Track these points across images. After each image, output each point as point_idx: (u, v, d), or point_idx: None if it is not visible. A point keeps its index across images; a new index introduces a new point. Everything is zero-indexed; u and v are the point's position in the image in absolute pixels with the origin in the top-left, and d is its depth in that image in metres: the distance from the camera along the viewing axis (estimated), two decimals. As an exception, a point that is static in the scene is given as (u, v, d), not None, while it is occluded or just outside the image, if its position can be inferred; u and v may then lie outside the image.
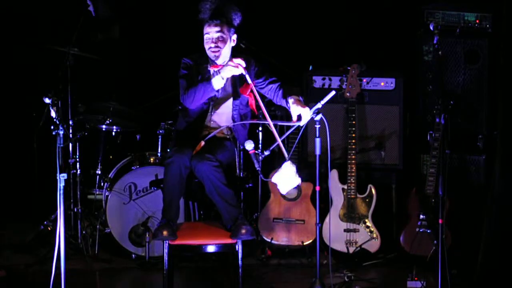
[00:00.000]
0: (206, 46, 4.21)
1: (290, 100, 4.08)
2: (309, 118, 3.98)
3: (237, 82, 4.27)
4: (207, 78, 4.18)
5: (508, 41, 3.95)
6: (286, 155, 3.93)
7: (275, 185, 3.98)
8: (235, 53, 4.29)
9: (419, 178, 5.01)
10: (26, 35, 5.93)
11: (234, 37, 4.26)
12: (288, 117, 5.04)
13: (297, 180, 3.86)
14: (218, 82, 4.07)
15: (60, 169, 3.46)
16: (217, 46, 4.18)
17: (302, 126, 3.94)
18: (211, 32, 4.17)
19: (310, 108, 3.90)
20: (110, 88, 5.67)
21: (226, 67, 4.04)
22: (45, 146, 4.93)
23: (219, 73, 4.06)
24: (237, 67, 4.01)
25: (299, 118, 3.99)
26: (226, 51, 4.23)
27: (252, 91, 4.19)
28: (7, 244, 5.13)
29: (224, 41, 4.19)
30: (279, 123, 4.24)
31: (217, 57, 4.20)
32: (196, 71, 4.25)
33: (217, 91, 4.21)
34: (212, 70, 4.20)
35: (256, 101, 4.17)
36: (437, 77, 4.96)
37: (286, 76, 4.83)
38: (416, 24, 5.16)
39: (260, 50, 5.17)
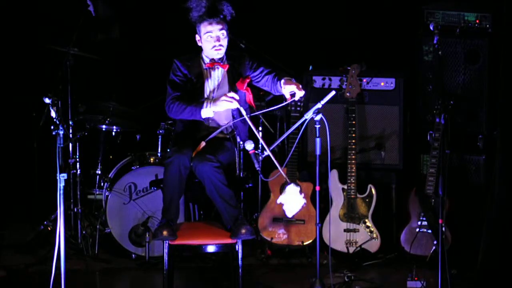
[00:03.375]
0: (209, 45, 4.20)
1: (282, 81, 4.11)
2: (302, 94, 4.01)
3: (234, 77, 4.26)
4: (198, 77, 4.21)
5: (508, 41, 3.95)
6: (286, 178, 4.00)
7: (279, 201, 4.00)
8: (227, 49, 4.29)
9: (419, 178, 5.00)
10: (26, 35, 5.93)
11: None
12: (288, 118, 5.10)
13: (302, 201, 3.90)
14: (207, 113, 4.10)
15: (60, 169, 3.46)
16: (221, 45, 4.18)
17: (303, 126, 3.94)
18: (214, 30, 4.16)
19: (310, 108, 3.91)
20: (110, 88, 5.67)
21: (221, 102, 4.04)
22: (45, 146, 4.93)
23: (213, 104, 4.05)
24: (232, 101, 4.02)
25: (293, 96, 4.02)
26: (226, 48, 4.23)
27: (248, 85, 4.20)
28: (7, 244, 5.13)
29: (225, 38, 4.20)
30: (276, 107, 4.23)
31: (220, 54, 4.21)
32: (187, 72, 4.24)
33: (213, 90, 4.23)
34: (207, 69, 4.20)
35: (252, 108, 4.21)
36: (437, 77, 4.96)
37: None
38: (416, 24, 5.16)
39: (260, 50, 5.17)
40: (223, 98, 4.04)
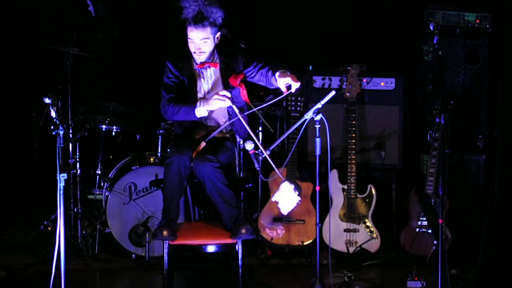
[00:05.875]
0: (190, 49, 4.19)
1: (277, 74, 4.09)
2: (298, 85, 3.99)
3: (227, 75, 4.25)
4: (190, 78, 4.20)
5: (508, 41, 3.95)
6: (281, 176, 4.01)
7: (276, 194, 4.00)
8: (221, 47, 4.27)
9: (419, 178, 5.00)
10: (26, 35, 5.93)
11: (218, 35, 4.23)
12: (288, 117, 5.09)
13: (297, 199, 3.90)
14: (201, 112, 4.09)
15: (60, 169, 3.46)
16: (201, 52, 4.16)
17: (303, 126, 3.94)
18: (194, 38, 4.13)
19: (310, 108, 3.91)
20: (110, 88, 5.67)
21: (213, 101, 4.03)
22: (45, 146, 4.94)
23: (206, 103, 4.05)
24: (224, 100, 4.02)
25: (289, 88, 4.01)
26: (210, 51, 4.20)
27: (245, 82, 4.20)
28: (7, 244, 5.13)
29: (208, 44, 4.16)
30: (272, 101, 4.22)
31: (202, 59, 4.20)
32: (179, 73, 4.22)
33: (207, 90, 4.21)
34: (198, 69, 4.18)
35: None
36: (437, 77, 4.96)
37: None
38: (416, 24, 5.16)
39: (260, 50, 5.16)
40: (215, 96, 4.03)
